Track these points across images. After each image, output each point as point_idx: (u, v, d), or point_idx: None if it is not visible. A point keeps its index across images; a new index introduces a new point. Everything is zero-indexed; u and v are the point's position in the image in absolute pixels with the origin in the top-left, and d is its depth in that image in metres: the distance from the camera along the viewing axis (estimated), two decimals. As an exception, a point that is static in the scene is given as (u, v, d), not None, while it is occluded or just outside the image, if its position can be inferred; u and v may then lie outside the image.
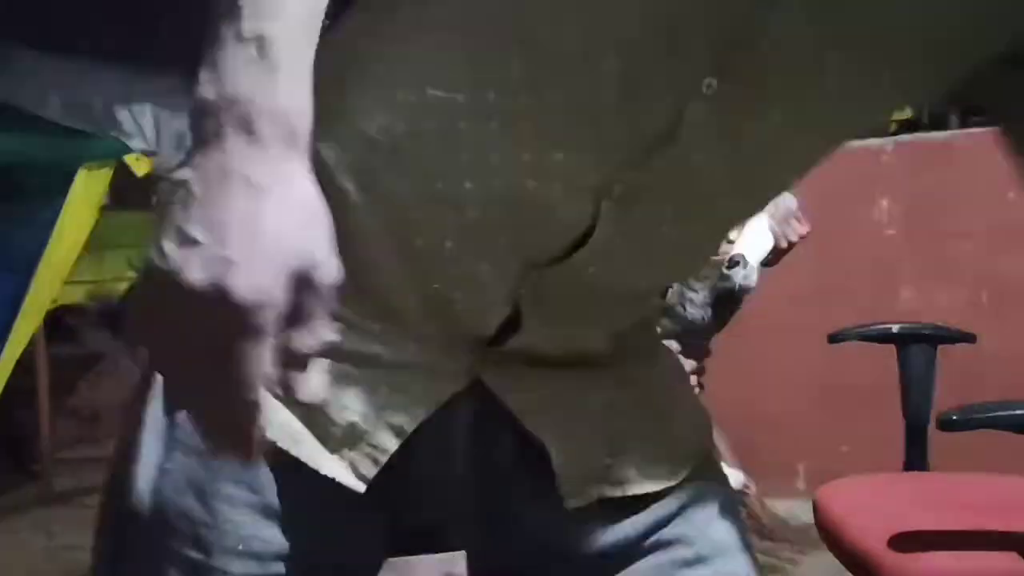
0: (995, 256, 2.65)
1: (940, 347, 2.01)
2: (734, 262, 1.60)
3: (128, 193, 4.43)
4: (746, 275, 1.61)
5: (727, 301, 1.65)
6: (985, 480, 1.74)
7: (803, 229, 1.76)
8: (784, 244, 1.75)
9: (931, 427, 1.91)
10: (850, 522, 1.58)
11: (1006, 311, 2.60)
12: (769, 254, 1.74)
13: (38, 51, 4.05)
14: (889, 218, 2.78)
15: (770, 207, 1.74)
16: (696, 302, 1.62)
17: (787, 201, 1.76)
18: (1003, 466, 1.80)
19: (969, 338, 2.03)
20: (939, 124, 3.04)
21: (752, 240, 1.72)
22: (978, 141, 2.75)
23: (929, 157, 2.78)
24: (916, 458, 1.94)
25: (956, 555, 1.41)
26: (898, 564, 1.40)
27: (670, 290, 1.60)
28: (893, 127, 5.83)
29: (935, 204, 2.57)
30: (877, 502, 1.66)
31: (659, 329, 1.60)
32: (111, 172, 3.49)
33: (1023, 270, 2.60)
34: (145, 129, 3.55)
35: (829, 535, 1.63)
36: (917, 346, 1.98)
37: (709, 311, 1.63)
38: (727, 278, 1.60)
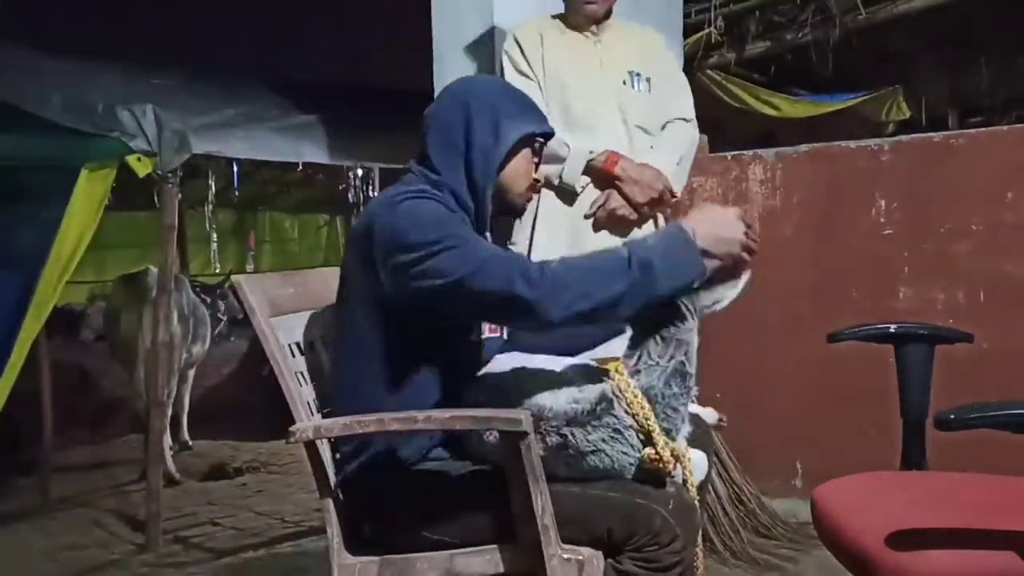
0: (994, 256, 2.65)
1: (938, 347, 2.01)
2: None
3: (129, 194, 4.42)
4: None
5: None
6: (983, 480, 1.74)
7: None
8: (730, 262, 1.52)
9: (929, 426, 1.92)
10: (848, 521, 1.58)
11: (1004, 311, 2.61)
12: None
13: (39, 51, 4.06)
14: (888, 218, 2.78)
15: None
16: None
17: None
18: (1001, 466, 1.81)
19: (967, 338, 2.03)
20: (938, 124, 3.05)
21: None
22: (977, 141, 2.75)
23: (928, 157, 2.78)
24: (914, 457, 1.95)
25: (954, 554, 1.41)
26: (895, 563, 1.40)
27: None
28: (892, 127, 5.83)
29: (934, 204, 2.58)
30: (875, 501, 1.66)
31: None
32: (113, 172, 3.48)
33: (1022, 270, 2.61)
34: (146, 129, 3.54)
35: (826, 534, 1.64)
36: (915, 346, 1.99)
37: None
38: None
